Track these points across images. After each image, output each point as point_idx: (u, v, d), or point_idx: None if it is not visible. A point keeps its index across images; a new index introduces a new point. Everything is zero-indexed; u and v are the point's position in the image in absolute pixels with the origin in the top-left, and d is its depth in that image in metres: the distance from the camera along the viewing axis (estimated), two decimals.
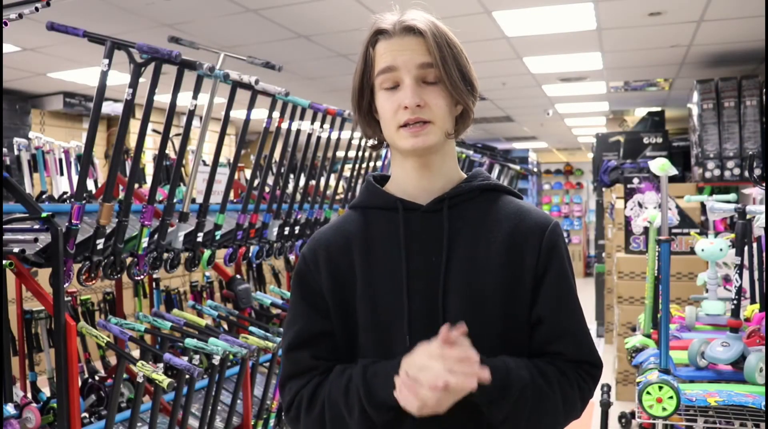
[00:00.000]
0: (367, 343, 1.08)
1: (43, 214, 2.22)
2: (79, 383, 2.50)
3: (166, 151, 2.80)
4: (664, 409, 1.85)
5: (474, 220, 1.10)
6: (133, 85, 2.33)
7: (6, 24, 2.09)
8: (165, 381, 2.22)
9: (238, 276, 3.49)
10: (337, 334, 1.11)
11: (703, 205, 4.00)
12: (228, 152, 7.96)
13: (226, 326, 3.33)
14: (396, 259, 1.08)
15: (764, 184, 2.55)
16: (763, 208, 2.20)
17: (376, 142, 1.15)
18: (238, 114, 6.82)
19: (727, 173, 4.41)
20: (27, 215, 2.27)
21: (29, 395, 2.87)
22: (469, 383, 0.92)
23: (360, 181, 4.15)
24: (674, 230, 3.97)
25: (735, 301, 2.09)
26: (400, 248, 1.08)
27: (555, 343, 1.08)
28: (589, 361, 1.10)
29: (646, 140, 6.00)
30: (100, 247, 2.40)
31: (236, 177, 4.12)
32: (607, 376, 4.71)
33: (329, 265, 1.11)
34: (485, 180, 1.14)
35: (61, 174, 4.31)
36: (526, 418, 1.01)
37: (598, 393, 2.93)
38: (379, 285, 1.08)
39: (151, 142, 7.04)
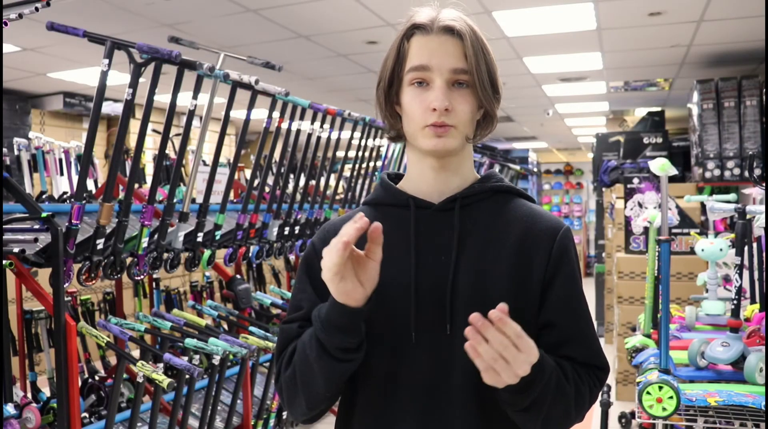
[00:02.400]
0: (372, 338, 1.08)
1: (43, 214, 2.22)
2: (79, 383, 2.50)
3: (166, 151, 2.80)
4: (664, 409, 1.85)
5: (485, 221, 1.10)
6: (133, 85, 2.33)
7: (6, 24, 2.09)
8: (165, 381, 2.22)
9: (238, 276, 3.49)
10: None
11: (703, 205, 4.00)
12: (228, 152, 7.96)
13: (226, 326, 3.33)
14: (405, 257, 1.08)
15: (764, 184, 2.55)
16: (763, 208, 2.20)
17: (394, 134, 1.15)
18: (238, 114, 6.82)
19: (727, 173, 4.41)
20: (27, 215, 2.27)
21: (29, 395, 2.87)
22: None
23: (360, 181, 4.15)
24: (674, 230, 3.97)
25: (735, 301, 2.09)
26: (410, 246, 1.08)
27: (564, 347, 1.08)
28: (598, 366, 1.10)
29: (646, 140, 6.00)
30: (100, 247, 2.40)
31: (236, 177, 4.12)
32: (608, 376, 4.71)
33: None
34: (498, 181, 1.14)
35: (61, 174, 4.31)
36: (546, 408, 0.99)
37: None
38: (388, 281, 1.08)
39: (151, 142, 7.04)
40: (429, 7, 1.08)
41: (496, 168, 6.57)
